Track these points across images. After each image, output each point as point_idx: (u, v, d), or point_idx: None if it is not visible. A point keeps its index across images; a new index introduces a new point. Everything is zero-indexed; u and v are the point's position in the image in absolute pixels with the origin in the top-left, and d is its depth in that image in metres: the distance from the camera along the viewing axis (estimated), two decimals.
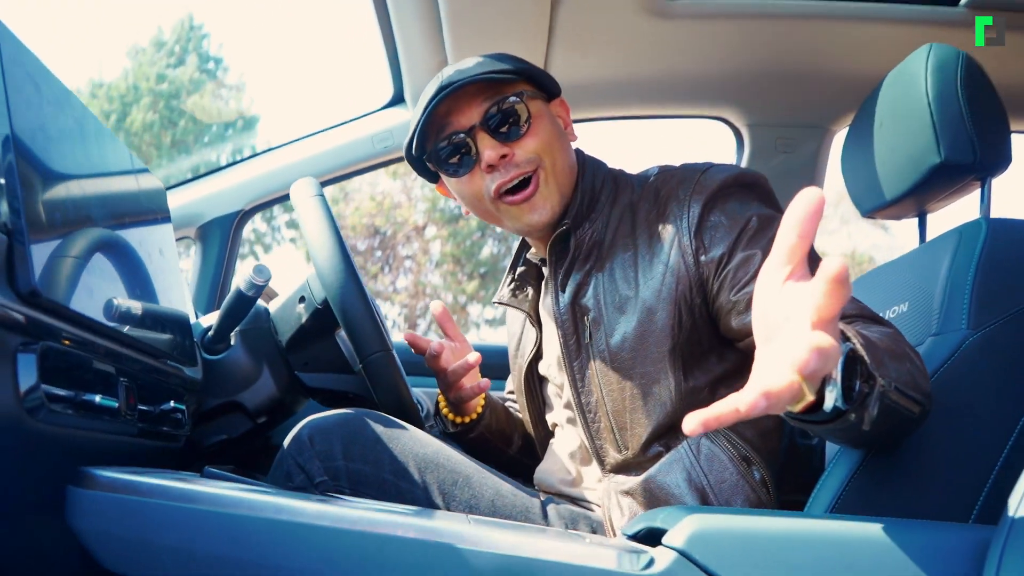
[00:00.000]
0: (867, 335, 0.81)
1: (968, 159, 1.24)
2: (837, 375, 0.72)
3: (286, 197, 1.98)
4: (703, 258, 1.13)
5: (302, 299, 1.34)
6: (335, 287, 1.19)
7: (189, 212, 1.98)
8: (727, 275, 1.11)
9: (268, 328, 1.37)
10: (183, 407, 1.10)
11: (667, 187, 1.19)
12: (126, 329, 0.97)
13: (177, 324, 1.16)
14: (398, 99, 1.98)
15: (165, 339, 1.09)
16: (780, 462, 1.13)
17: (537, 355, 1.36)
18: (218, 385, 1.30)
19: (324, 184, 1.99)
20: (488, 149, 1.17)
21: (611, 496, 1.16)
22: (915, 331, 1.22)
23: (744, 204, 1.14)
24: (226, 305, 1.29)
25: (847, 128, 2.04)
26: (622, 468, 1.18)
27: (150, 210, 1.17)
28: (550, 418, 1.37)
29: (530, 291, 1.36)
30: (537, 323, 1.36)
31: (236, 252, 2.04)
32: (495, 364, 1.80)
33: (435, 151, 1.22)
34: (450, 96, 1.18)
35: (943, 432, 1.04)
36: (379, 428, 1.16)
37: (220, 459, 1.39)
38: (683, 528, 0.79)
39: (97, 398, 0.83)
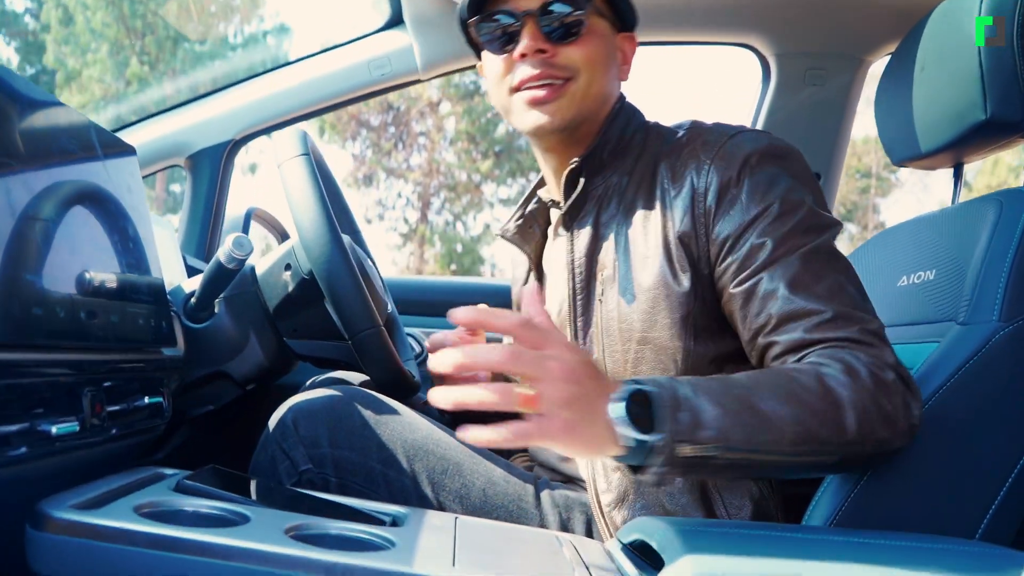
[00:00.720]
0: (704, 384, 0.84)
1: (1017, 116, 1.15)
2: (619, 417, 0.79)
3: (278, 126, 1.88)
4: (712, 233, 1.04)
5: (288, 266, 1.27)
6: (321, 262, 1.12)
7: (178, 141, 1.87)
8: (732, 264, 1.02)
9: (254, 292, 1.30)
10: (160, 399, 1.05)
11: (692, 146, 1.10)
12: (90, 329, 0.90)
13: (151, 304, 1.08)
14: (396, 21, 1.83)
15: (138, 326, 1.02)
16: None
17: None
18: (203, 355, 1.24)
19: (319, 113, 1.89)
20: (529, 39, 1.09)
21: (596, 464, 1.11)
22: (940, 306, 1.15)
23: (771, 181, 1.04)
24: (207, 275, 1.22)
25: (882, 59, 1.90)
26: None
27: (106, 173, 1.06)
28: None
29: (537, 233, 1.29)
30: (539, 274, 1.29)
31: (228, 183, 1.95)
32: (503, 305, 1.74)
33: (483, 20, 1.14)
34: None
35: (960, 434, 0.99)
36: (367, 412, 1.12)
37: (207, 426, 1.36)
38: (680, 571, 0.74)
39: (54, 428, 0.78)
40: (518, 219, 1.29)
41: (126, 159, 1.12)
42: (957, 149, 1.27)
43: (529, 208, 1.29)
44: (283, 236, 2.16)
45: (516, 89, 1.12)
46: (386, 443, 1.10)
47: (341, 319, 1.15)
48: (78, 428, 0.82)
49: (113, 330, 0.95)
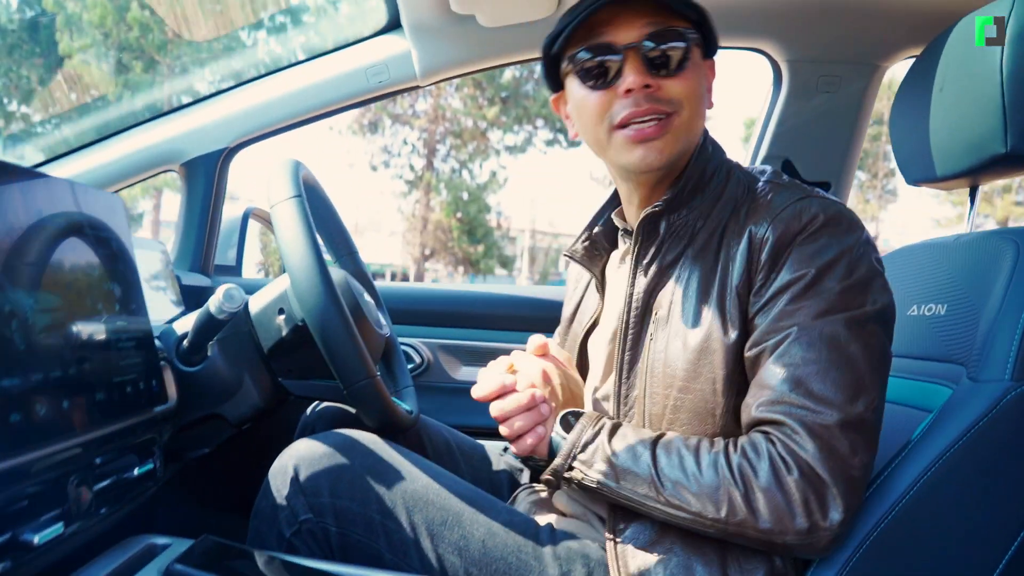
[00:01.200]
0: (624, 433, 1.04)
1: None
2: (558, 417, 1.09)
3: (273, 133, 1.82)
4: (753, 289, 1.03)
5: (281, 310, 1.25)
6: (315, 314, 1.10)
7: (171, 148, 1.82)
8: (757, 327, 1.01)
9: (248, 332, 1.28)
10: (151, 465, 1.03)
11: (762, 200, 1.07)
12: (74, 417, 0.87)
13: (140, 365, 1.06)
14: (393, 25, 1.76)
15: (127, 394, 1.00)
16: None
17: (593, 325, 1.28)
18: (196, 398, 1.23)
19: (315, 119, 1.83)
20: (635, 74, 1.05)
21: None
22: (950, 346, 1.14)
23: (819, 251, 1.01)
24: (197, 322, 1.19)
25: (898, 64, 1.83)
26: None
27: (87, 235, 1.02)
28: (587, 396, 1.29)
29: (604, 254, 1.27)
30: (602, 290, 1.27)
31: (223, 193, 1.90)
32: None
33: (578, 55, 1.09)
34: (612, 7, 1.05)
35: (967, 494, 0.98)
36: (369, 461, 1.11)
37: (204, 467, 1.35)
38: None
39: (36, 538, 0.76)
40: (585, 240, 1.27)
41: (110, 208, 1.08)
42: (974, 176, 1.23)
43: (596, 229, 1.26)
44: None
45: (618, 126, 1.08)
46: (386, 493, 1.10)
47: (336, 370, 1.13)
48: (63, 529, 0.80)
49: (100, 408, 0.92)
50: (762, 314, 1.01)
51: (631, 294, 1.12)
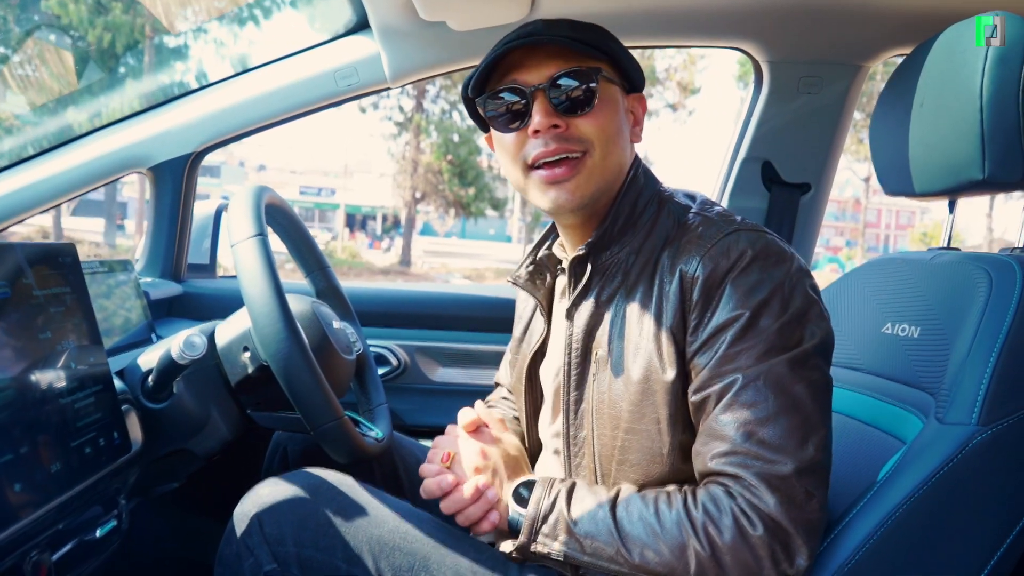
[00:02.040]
0: (583, 497, 1.04)
1: (1016, 177, 1.11)
2: (511, 491, 1.10)
3: (241, 136, 1.78)
4: (688, 329, 1.03)
5: (246, 348, 1.23)
6: (278, 359, 1.09)
7: (138, 152, 1.77)
8: (696, 368, 1.02)
9: (215, 365, 1.26)
10: (115, 522, 1.02)
11: (692, 234, 1.06)
12: (28, 496, 0.86)
13: (101, 419, 1.04)
14: (361, 25, 1.70)
15: (86, 456, 0.99)
16: None
17: (540, 351, 1.28)
18: (163, 435, 1.22)
19: (282, 123, 1.78)
20: (541, 115, 1.06)
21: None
22: (921, 373, 1.14)
23: (751, 289, 1.00)
24: (160, 364, 1.18)
25: (881, 65, 1.79)
26: None
27: (39, 299, 1.00)
28: (540, 431, 1.29)
29: (548, 279, 1.27)
30: (548, 315, 1.26)
31: (192, 197, 1.86)
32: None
33: (490, 98, 1.10)
34: (524, 48, 1.07)
35: (930, 537, 1.00)
36: (333, 506, 1.10)
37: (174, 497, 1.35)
38: None
39: None
40: (529, 265, 1.26)
41: (61, 261, 1.05)
42: (951, 194, 1.23)
43: (541, 254, 1.25)
44: None
45: (531, 166, 1.09)
46: (352, 540, 1.09)
47: (302, 413, 1.12)
48: None
49: (56, 480, 0.91)
50: (702, 355, 1.01)
51: (570, 335, 1.13)
